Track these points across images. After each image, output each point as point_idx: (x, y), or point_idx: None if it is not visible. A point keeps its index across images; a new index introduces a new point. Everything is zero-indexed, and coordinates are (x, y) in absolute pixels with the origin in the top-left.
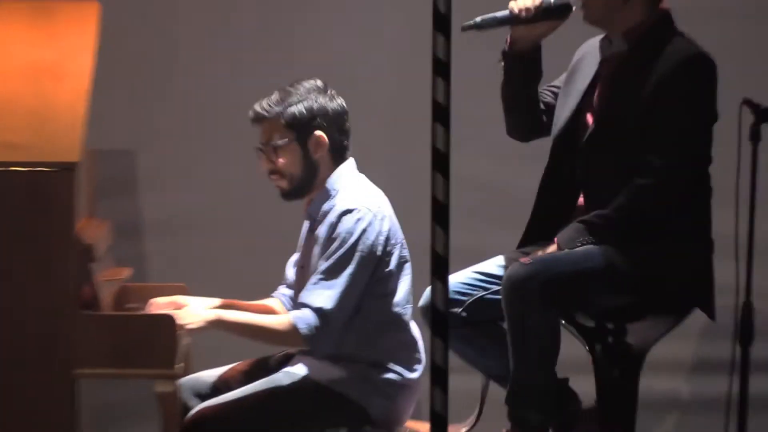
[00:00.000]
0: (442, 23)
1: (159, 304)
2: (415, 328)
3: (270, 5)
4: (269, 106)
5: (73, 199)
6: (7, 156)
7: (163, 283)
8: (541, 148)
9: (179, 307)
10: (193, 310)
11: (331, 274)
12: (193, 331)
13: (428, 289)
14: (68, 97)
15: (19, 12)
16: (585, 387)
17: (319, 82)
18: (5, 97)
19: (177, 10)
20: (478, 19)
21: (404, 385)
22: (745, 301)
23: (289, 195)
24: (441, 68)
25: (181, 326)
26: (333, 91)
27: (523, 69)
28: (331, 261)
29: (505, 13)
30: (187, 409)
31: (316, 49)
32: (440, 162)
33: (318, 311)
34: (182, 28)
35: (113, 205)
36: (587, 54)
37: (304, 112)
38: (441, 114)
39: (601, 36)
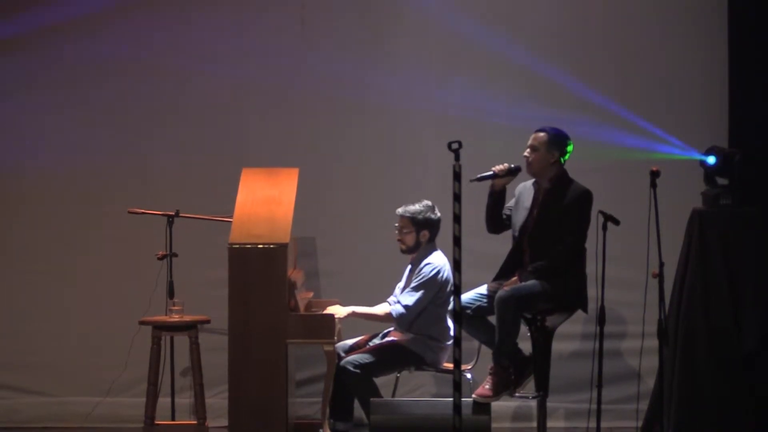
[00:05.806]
0: (458, 176)
1: (328, 309)
2: (449, 320)
3: None
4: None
5: (285, 260)
6: (254, 240)
7: (327, 299)
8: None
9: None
10: (341, 310)
11: (414, 289)
12: (341, 319)
13: (452, 302)
14: (282, 212)
15: (258, 173)
16: (526, 347)
17: (429, 203)
18: (252, 211)
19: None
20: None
21: (442, 346)
22: (601, 305)
23: (405, 252)
24: (456, 197)
25: (337, 319)
26: (436, 209)
27: (497, 199)
28: (414, 284)
29: (490, 172)
30: (340, 358)
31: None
32: (457, 241)
33: (404, 306)
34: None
35: (305, 262)
36: (523, 190)
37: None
38: (457, 219)
39: (531, 181)
